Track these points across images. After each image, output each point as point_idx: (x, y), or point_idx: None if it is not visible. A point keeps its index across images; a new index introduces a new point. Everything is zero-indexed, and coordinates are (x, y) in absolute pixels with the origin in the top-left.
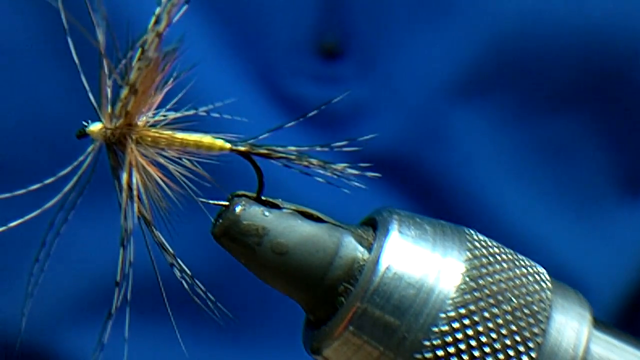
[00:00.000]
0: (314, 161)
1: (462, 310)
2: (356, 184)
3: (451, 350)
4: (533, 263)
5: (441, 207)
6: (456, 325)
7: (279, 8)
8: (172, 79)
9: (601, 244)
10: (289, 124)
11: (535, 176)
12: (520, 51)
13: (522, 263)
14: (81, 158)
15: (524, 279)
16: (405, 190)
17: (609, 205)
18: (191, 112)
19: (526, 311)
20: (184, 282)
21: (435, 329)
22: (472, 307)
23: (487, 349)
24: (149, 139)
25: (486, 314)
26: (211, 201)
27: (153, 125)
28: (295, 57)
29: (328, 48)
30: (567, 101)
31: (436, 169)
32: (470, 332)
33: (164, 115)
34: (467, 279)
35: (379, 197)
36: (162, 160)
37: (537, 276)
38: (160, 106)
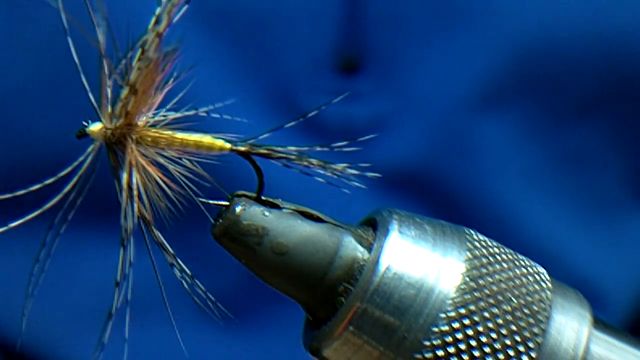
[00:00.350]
0: (314, 161)
1: (462, 310)
2: (356, 184)
3: (451, 350)
4: (533, 263)
5: (463, 218)
6: (456, 325)
7: (297, 24)
8: (172, 79)
9: (622, 254)
10: (289, 124)
11: (557, 186)
12: (540, 61)
13: (522, 263)
14: (81, 158)
15: (524, 279)
16: (427, 203)
17: (630, 215)
18: (191, 112)
19: (526, 311)
20: (183, 282)
21: (435, 329)
22: (472, 307)
23: (487, 349)
24: (149, 139)
25: (486, 314)
26: (211, 201)
27: (153, 125)
28: (314, 73)
29: (347, 63)
30: (588, 110)
31: (458, 181)
32: (470, 332)
33: (164, 116)
34: (467, 279)
35: (402, 208)
36: (162, 160)
37: (537, 276)
38: (160, 106)
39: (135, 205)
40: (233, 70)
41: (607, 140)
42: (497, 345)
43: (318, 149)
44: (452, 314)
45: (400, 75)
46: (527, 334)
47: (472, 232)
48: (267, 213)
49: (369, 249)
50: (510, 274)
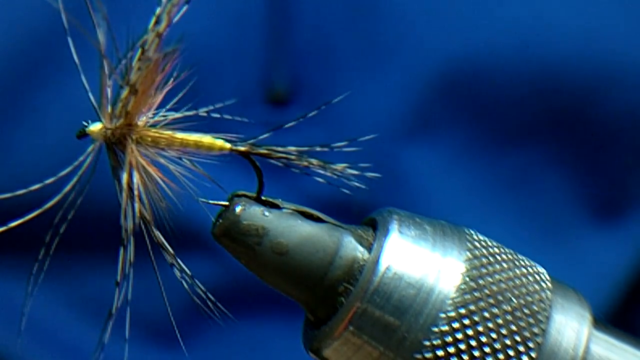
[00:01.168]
0: (314, 161)
1: (462, 310)
2: (356, 184)
3: (451, 350)
4: (533, 263)
5: None
6: (456, 325)
7: (225, 58)
8: (172, 79)
9: (571, 271)
10: (289, 124)
11: (496, 208)
12: (468, 88)
13: (522, 263)
14: (81, 158)
15: (524, 279)
16: None
17: (575, 233)
18: (191, 112)
19: (526, 311)
20: (183, 282)
21: (435, 329)
22: (472, 307)
23: (487, 349)
24: (149, 139)
25: (486, 314)
26: (211, 201)
27: (153, 126)
28: (244, 106)
29: (276, 96)
30: (524, 134)
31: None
32: (470, 332)
33: (164, 116)
34: (467, 279)
35: None
36: (162, 160)
37: (537, 276)
38: (160, 106)
39: (136, 205)
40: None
41: (546, 163)
42: (497, 345)
43: (318, 149)
44: (452, 314)
45: (332, 105)
46: (527, 334)
47: (472, 232)
48: (267, 213)
49: (369, 249)
50: (510, 274)
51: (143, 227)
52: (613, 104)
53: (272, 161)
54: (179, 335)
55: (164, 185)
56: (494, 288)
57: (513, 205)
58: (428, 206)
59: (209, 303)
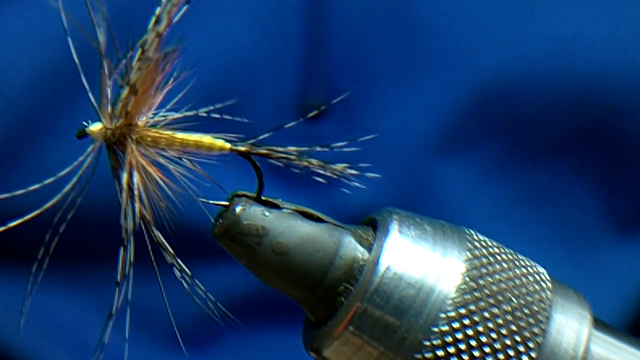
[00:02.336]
0: (314, 161)
1: (462, 310)
2: (356, 184)
3: (451, 350)
4: (533, 263)
5: None
6: (456, 325)
7: (261, 72)
8: (172, 79)
9: (596, 285)
10: (289, 125)
11: (526, 223)
12: (502, 103)
13: (523, 263)
14: (81, 158)
15: (524, 279)
16: None
17: (602, 247)
18: (191, 112)
19: (526, 311)
20: (183, 282)
21: (435, 329)
22: (472, 307)
23: (487, 349)
24: (149, 139)
25: (486, 314)
26: (211, 201)
27: (153, 126)
28: (279, 120)
29: (311, 109)
30: (553, 149)
31: None
32: (470, 332)
33: (164, 116)
34: (467, 279)
35: None
36: (162, 160)
37: (537, 276)
38: (160, 106)
39: (137, 205)
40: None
41: (574, 178)
42: (497, 345)
43: (318, 149)
44: (452, 314)
45: (363, 121)
46: (527, 334)
47: (473, 232)
48: (267, 213)
49: (369, 249)
50: (511, 274)
51: (143, 227)
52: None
53: (272, 161)
54: (196, 341)
55: (164, 185)
56: (494, 288)
57: (541, 219)
58: (456, 220)
59: (216, 308)
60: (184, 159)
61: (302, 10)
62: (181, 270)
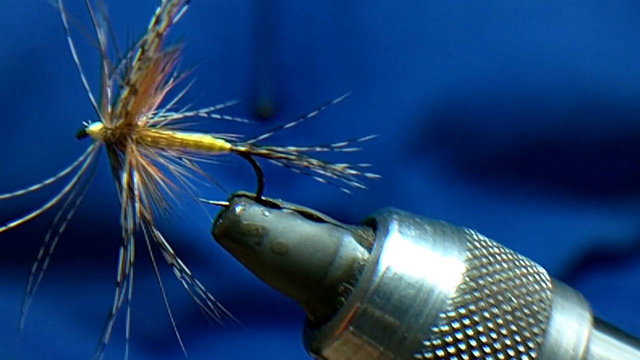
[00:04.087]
0: (314, 161)
1: (462, 310)
2: (356, 184)
3: (451, 350)
4: (533, 263)
5: None
6: (456, 325)
7: (210, 73)
8: (172, 79)
9: None
10: (289, 125)
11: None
12: (453, 117)
13: (522, 263)
14: (81, 158)
15: (524, 279)
16: None
17: None
18: (192, 113)
19: (526, 311)
20: (184, 282)
21: (435, 329)
22: (472, 307)
23: (487, 349)
24: (149, 139)
25: (486, 314)
26: (211, 201)
27: (153, 126)
28: (230, 121)
29: (262, 111)
30: (503, 164)
31: None
32: (470, 332)
33: (164, 116)
34: (467, 278)
35: None
36: (162, 160)
37: (537, 276)
38: (161, 106)
39: (137, 205)
40: None
41: (524, 194)
42: (497, 345)
43: (318, 149)
44: (452, 314)
45: (316, 123)
46: (527, 334)
47: (472, 232)
48: (267, 213)
49: (369, 249)
50: (511, 274)
51: (143, 227)
52: (591, 128)
53: (272, 161)
54: (181, 343)
55: (164, 186)
56: (494, 288)
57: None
58: None
59: (208, 308)
60: (184, 159)
61: (251, 12)
62: (181, 271)
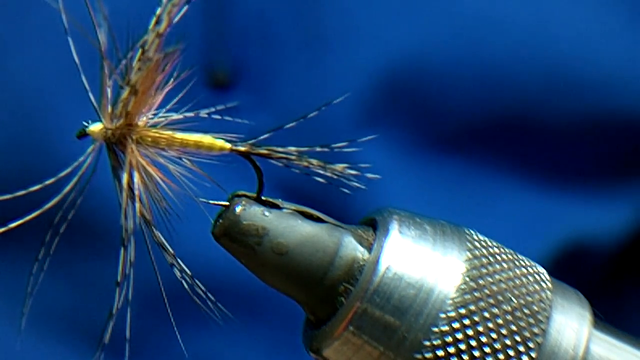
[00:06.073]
0: (314, 161)
1: (462, 310)
2: (356, 184)
3: (451, 350)
4: (533, 263)
5: None
6: (456, 325)
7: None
8: (172, 80)
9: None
10: (289, 125)
11: (438, 210)
12: (414, 85)
13: (522, 263)
14: (81, 158)
15: (524, 279)
16: None
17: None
18: (191, 113)
19: (526, 311)
20: (184, 282)
21: (435, 329)
22: (472, 307)
23: (487, 349)
24: (149, 139)
25: (486, 314)
26: (211, 201)
27: (153, 126)
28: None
29: (218, 79)
30: (465, 137)
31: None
32: (470, 332)
33: (164, 116)
34: (467, 279)
35: None
36: (162, 160)
37: (537, 276)
38: (161, 106)
39: (137, 205)
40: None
41: (490, 168)
42: (497, 345)
43: (318, 149)
44: (452, 314)
45: (273, 90)
46: (527, 334)
47: (472, 232)
48: (267, 213)
49: (369, 249)
50: (511, 274)
51: (143, 227)
52: (561, 109)
53: (272, 161)
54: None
55: (164, 186)
56: (494, 288)
57: (454, 205)
58: (370, 202)
59: (197, 303)
60: (184, 159)
61: None
62: (181, 271)
